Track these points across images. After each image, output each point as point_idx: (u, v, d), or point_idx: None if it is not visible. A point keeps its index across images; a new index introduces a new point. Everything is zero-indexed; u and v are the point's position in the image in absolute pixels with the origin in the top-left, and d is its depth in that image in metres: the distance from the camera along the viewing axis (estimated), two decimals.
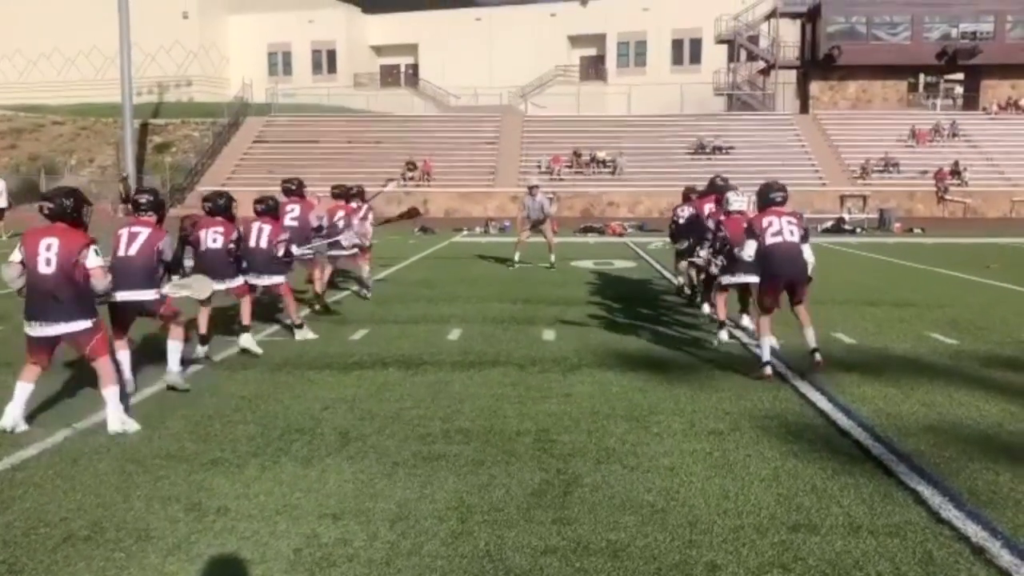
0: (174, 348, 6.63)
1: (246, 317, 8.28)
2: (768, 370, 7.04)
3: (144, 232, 6.54)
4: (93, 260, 5.64)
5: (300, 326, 9.06)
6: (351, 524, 4.12)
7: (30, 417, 5.75)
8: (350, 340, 8.86)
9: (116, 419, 5.61)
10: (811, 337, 7.10)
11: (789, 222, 7.15)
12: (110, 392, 5.67)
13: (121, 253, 6.50)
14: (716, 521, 4.16)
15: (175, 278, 6.80)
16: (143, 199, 6.77)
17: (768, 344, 7.12)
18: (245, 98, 48.71)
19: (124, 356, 6.63)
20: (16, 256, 5.65)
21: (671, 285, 13.28)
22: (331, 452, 5.20)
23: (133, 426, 5.64)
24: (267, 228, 8.93)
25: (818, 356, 7.04)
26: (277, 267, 8.97)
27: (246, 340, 8.14)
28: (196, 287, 6.71)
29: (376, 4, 60.61)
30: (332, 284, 12.29)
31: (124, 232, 6.59)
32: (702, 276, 10.26)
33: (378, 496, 4.48)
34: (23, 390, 5.65)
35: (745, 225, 7.60)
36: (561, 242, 16.73)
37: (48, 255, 5.55)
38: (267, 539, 3.96)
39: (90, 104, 50.64)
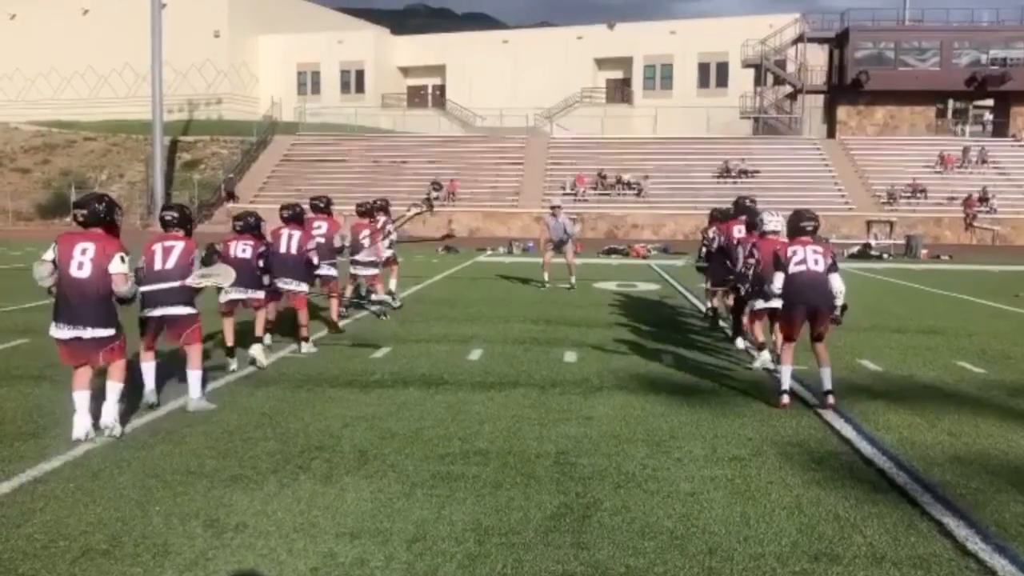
0: (195, 376, 6.60)
1: (260, 328, 8.50)
2: (785, 399, 6.94)
3: (179, 245, 6.62)
4: (116, 266, 5.73)
5: (306, 339, 9.18)
6: (368, 544, 4.11)
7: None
8: (371, 358, 8.88)
9: (112, 415, 5.77)
10: (827, 378, 6.92)
11: (815, 251, 7.08)
12: (116, 387, 5.83)
13: (158, 267, 6.53)
14: (736, 549, 4.10)
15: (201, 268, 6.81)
16: (169, 216, 6.84)
17: (788, 372, 7.03)
18: (273, 117, 49.43)
19: (149, 368, 6.65)
20: (49, 255, 5.75)
21: (695, 308, 13.23)
22: (350, 470, 5.19)
23: (119, 429, 5.77)
24: (296, 235, 9.23)
25: (831, 399, 6.83)
26: (305, 275, 9.18)
27: (256, 350, 8.30)
28: (221, 275, 6.71)
29: (404, 26, 61.29)
30: (357, 304, 12.34)
31: (158, 247, 6.63)
32: (730, 302, 10.16)
33: (396, 516, 4.46)
34: (80, 398, 5.75)
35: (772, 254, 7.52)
36: (584, 263, 16.67)
37: (82, 259, 5.67)
38: (284, 557, 3.95)
39: (122, 121, 51.55)
